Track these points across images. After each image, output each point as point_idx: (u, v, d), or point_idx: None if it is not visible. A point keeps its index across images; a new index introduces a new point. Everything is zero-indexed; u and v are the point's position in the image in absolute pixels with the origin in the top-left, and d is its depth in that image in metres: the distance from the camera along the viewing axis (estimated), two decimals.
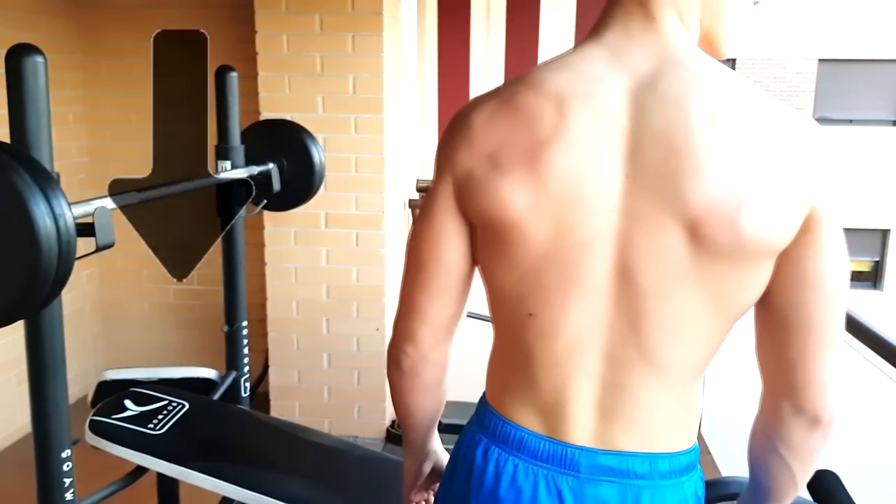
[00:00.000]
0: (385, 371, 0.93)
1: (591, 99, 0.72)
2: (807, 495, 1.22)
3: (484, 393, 0.90)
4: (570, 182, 0.72)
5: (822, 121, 11.03)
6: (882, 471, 1.66)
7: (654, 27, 0.75)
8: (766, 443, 0.84)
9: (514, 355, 0.83)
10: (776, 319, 0.76)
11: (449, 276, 0.83)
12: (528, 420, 0.81)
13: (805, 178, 0.73)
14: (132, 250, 3.26)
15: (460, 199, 0.79)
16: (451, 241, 0.81)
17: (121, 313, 3.34)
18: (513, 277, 0.78)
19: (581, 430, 0.79)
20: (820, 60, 10.98)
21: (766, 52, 11.04)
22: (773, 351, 0.79)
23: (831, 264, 0.74)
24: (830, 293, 0.74)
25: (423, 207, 0.84)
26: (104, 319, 3.35)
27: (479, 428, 0.86)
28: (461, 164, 0.78)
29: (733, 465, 2.57)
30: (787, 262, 0.73)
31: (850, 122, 11.04)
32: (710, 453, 2.73)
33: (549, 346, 0.79)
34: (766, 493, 0.87)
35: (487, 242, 0.79)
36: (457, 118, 0.81)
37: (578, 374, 0.78)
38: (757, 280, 0.74)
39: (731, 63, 11.07)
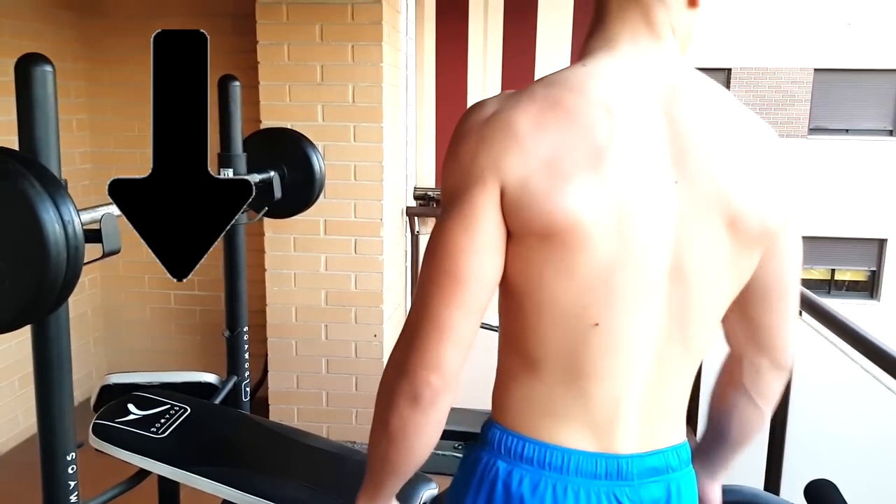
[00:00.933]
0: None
1: (633, 108, 0.76)
2: None
3: (497, 422, 0.83)
4: (631, 188, 0.74)
5: (818, 131, 11.11)
6: (881, 481, 1.68)
7: (660, 44, 0.81)
8: (739, 394, 0.92)
9: (565, 372, 0.78)
10: (758, 292, 0.85)
11: (486, 291, 0.76)
12: (577, 440, 0.79)
13: (793, 171, 0.84)
14: (134, 256, 3.27)
15: (510, 208, 0.74)
16: (492, 254, 0.75)
17: (122, 318, 3.36)
18: (575, 288, 0.75)
19: (630, 438, 0.81)
20: (816, 70, 11.05)
21: (762, 61, 11.10)
22: (752, 319, 0.88)
23: (800, 239, 0.88)
24: (800, 263, 0.87)
25: (453, 215, 0.75)
26: (106, 324, 3.36)
27: (513, 460, 0.79)
28: (513, 171, 0.73)
29: (728, 474, 2.58)
30: (778, 242, 0.84)
31: (846, 132, 11.09)
32: None
33: (612, 356, 0.78)
34: (735, 440, 0.96)
35: (542, 254, 0.75)
36: (493, 120, 0.75)
37: (634, 381, 0.80)
38: (756, 261, 0.84)
39: (727, 74, 11.14)
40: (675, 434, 0.85)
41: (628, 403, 0.80)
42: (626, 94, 0.76)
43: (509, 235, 0.75)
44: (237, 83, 1.96)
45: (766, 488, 2.03)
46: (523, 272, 0.76)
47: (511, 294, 0.78)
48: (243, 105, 2.05)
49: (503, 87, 3.20)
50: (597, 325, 0.77)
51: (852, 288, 11.61)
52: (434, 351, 0.74)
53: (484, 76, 3.20)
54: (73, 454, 1.33)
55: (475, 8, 3.17)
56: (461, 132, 0.77)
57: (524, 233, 0.74)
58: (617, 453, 0.80)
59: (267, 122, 2.61)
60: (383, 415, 0.78)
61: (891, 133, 11.08)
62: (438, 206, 2.79)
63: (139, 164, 3.45)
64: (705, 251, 0.78)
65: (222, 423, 1.81)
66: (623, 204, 0.74)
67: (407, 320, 0.78)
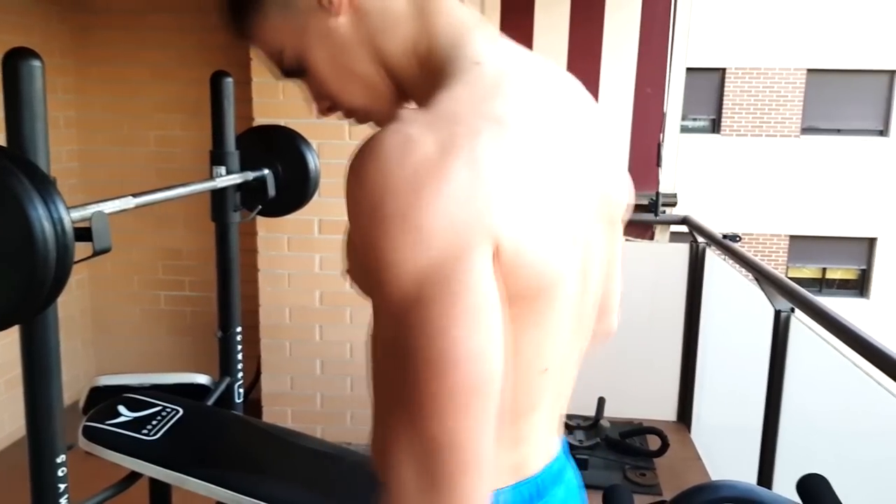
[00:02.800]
0: None
1: (542, 131, 0.64)
2: (796, 498, 1.23)
3: None
4: (572, 222, 0.65)
5: (810, 130, 11.17)
6: (871, 475, 1.68)
7: (523, 50, 0.72)
8: None
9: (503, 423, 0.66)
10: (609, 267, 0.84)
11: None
12: (501, 481, 0.70)
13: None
14: (123, 256, 3.28)
15: (503, 273, 0.57)
16: (501, 340, 0.56)
17: (111, 319, 3.33)
18: (537, 337, 0.65)
19: (542, 454, 0.76)
20: (808, 71, 11.10)
21: (755, 62, 11.15)
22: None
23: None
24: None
25: (448, 306, 0.53)
26: (95, 326, 3.34)
27: None
28: (506, 226, 0.56)
29: (722, 469, 2.59)
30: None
31: (838, 131, 11.16)
32: (700, 458, 2.75)
33: (553, 393, 0.73)
34: None
35: (523, 314, 0.62)
36: (458, 160, 0.55)
37: (556, 402, 0.76)
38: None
39: (722, 73, 11.18)
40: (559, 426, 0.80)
41: (549, 423, 0.75)
42: (531, 117, 0.63)
43: None
44: (230, 79, 1.94)
45: (759, 483, 2.03)
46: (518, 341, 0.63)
47: None
48: (235, 102, 2.03)
49: None
50: (546, 370, 0.69)
51: (843, 286, 11.69)
52: (473, 493, 0.55)
53: None
54: (63, 456, 1.31)
55: (472, 5, 3.17)
56: (401, 183, 0.53)
57: (512, 297, 0.59)
58: (532, 475, 0.73)
59: (260, 120, 2.59)
60: None
61: (881, 133, 11.15)
62: None
63: (128, 162, 3.45)
64: (601, 259, 0.75)
65: (215, 425, 1.79)
66: (574, 239, 0.65)
67: (405, 456, 0.55)
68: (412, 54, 0.69)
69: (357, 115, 0.76)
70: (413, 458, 0.54)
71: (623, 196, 0.78)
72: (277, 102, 2.64)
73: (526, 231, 0.58)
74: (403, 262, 0.53)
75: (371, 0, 0.69)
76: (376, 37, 0.69)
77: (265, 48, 0.74)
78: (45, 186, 1.08)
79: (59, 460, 1.30)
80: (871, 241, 11.29)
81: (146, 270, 3.29)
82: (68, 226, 1.09)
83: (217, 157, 1.90)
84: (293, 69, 0.73)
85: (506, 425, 0.64)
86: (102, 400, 1.78)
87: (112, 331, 3.33)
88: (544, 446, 0.76)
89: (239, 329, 2.07)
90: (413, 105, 0.72)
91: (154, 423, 1.65)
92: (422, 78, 0.69)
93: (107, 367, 3.29)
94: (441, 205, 0.53)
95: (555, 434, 0.78)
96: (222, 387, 2.00)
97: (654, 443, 2.68)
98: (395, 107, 0.73)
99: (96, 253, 1.22)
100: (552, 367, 0.69)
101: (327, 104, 0.75)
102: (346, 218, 0.60)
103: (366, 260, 0.56)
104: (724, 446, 2.72)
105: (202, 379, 2.01)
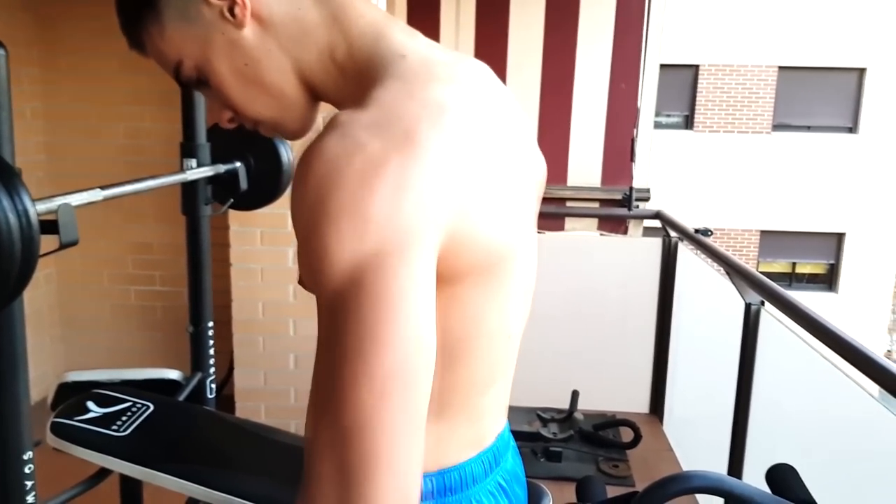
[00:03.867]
0: None
1: (476, 111, 0.65)
2: (765, 487, 1.25)
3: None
4: (514, 197, 0.68)
5: (781, 127, 11.35)
6: (837, 464, 1.72)
7: (433, 42, 0.73)
8: None
9: (477, 388, 0.72)
10: None
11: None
12: (468, 451, 0.74)
13: None
14: (92, 250, 3.23)
15: (450, 253, 0.59)
16: (432, 335, 0.57)
17: (80, 315, 3.28)
18: (500, 304, 0.68)
19: (497, 425, 0.79)
20: (780, 68, 11.27)
21: (727, 59, 11.28)
22: None
23: None
24: None
25: (383, 296, 0.53)
26: (63, 321, 3.28)
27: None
28: (450, 211, 0.58)
29: (694, 460, 2.63)
30: None
31: (808, 128, 11.35)
32: (671, 450, 2.78)
33: (510, 363, 0.76)
34: None
35: (481, 287, 0.65)
36: (411, 157, 0.56)
37: (509, 373, 0.79)
38: None
39: (695, 70, 11.30)
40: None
41: (505, 394, 0.79)
42: (469, 102, 0.65)
43: (439, 282, 0.59)
44: None
45: (729, 473, 2.06)
46: (462, 313, 0.65)
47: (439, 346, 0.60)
48: None
49: None
50: (510, 336, 0.73)
51: (812, 280, 11.92)
52: (407, 493, 0.53)
53: None
54: (30, 453, 1.29)
55: (447, 3, 3.16)
56: (349, 180, 0.54)
57: (464, 273, 0.62)
58: (490, 445, 0.77)
59: None
60: None
61: (850, 130, 11.36)
62: None
63: (97, 154, 3.39)
64: (534, 231, 0.79)
65: (187, 420, 1.77)
66: (516, 211, 0.68)
67: (323, 446, 0.54)
68: (329, 61, 0.69)
69: (264, 125, 0.75)
70: (330, 447, 0.53)
71: (542, 175, 0.82)
72: None
73: (477, 208, 0.60)
74: (342, 251, 0.54)
75: (278, 12, 0.68)
76: (288, 47, 0.69)
77: (161, 59, 0.72)
78: (10, 178, 1.06)
79: (25, 457, 1.28)
80: (840, 237, 11.52)
81: (116, 265, 3.24)
82: (34, 218, 1.07)
83: (188, 149, 1.87)
84: (192, 80, 0.72)
85: (472, 399, 0.71)
86: (71, 396, 1.75)
87: (81, 326, 3.28)
88: (501, 416, 0.79)
89: (211, 324, 2.05)
90: (332, 108, 0.71)
91: (124, 418, 1.63)
92: (344, 82, 0.69)
93: (75, 363, 3.24)
94: (385, 197, 0.54)
95: (506, 403, 0.81)
96: (194, 382, 1.98)
97: (626, 435, 2.71)
98: (306, 114, 0.74)
99: (63, 246, 1.20)
100: (514, 334, 0.74)
101: (230, 115, 0.75)
102: None
103: (308, 254, 0.56)
104: (695, 438, 2.76)
105: (173, 374, 1.99)
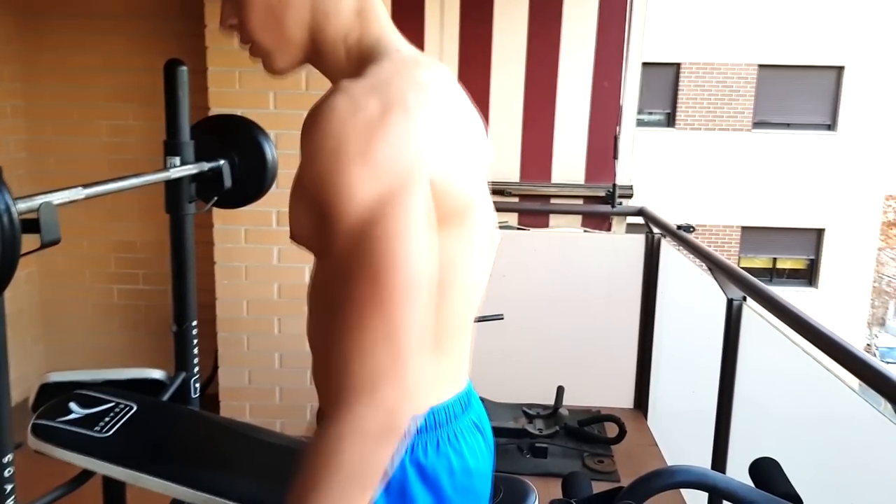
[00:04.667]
0: None
1: (448, 95, 0.81)
2: (749, 481, 1.27)
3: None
4: (476, 163, 0.83)
5: (762, 124, 11.46)
6: (819, 457, 1.74)
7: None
8: None
9: (453, 338, 0.85)
10: None
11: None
12: (449, 390, 0.87)
13: None
14: (74, 249, 3.19)
15: (441, 195, 0.74)
16: (434, 250, 0.74)
17: (62, 315, 3.24)
18: (469, 249, 0.82)
19: (465, 372, 0.91)
20: (759, 66, 11.38)
21: (708, 57, 11.37)
22: None
23: None
24: None
25: (394, 221, 0.69)
26: (45, 321, 3.24)
27: (418, 436, 0.81)
28: (434, 162, 0.73)
29: (678, 454, 2.65)
30: None
31: (788, 126, 11.47)
32: (656, 444, 2.81)
33: (473, 313, 0.88)
34: None
35: (455, 234, 0.78)
36: (396, 114, 0.71)
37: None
38: None
39: (677, 68, 11.38)
40: None
41: (468, 343, 0.90)
42: (442, 86, 0.81)
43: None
44: (184, 67, 1.89)
45: (713, 467, 2.08)
46: (442, 257, 0.76)
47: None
48: (190, 91, 1.99)
49: (459, 76, 3.19)
50: (478, 284, 0.86)
51: (793, 276, 12.05)
52: (412, 370, 0.69)
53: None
54: (10, 456, 1.27)
55: (431, 2, 3.15)
56: (356, 132, 0.69)
57: (442, 218, 0.75)
58: (465, 387, 0.89)
59: (216, 109, 2.54)
60: (372, 450, 0.69)
61: (829, 128, 11.50)
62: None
63: (79, 152, 3.34)
64: (489, 199, 0.91)
65: (170, 421, 1.76)
66: (478, 176, 0.84)
67: (354, 338, 0.69)
68: (342, 42, 0.83)
69: (256, 50, 0.86)
70: (376, 335, 0.68)
71: (490, 160, 0.92)
72: (234, 92, 2.59)
73: (450, 164, 0.75)
74: (361, 190, 0.69)
75: None
76: (318, 11, 0.82)
77: None
78: None
79: (5, 460, 1.26)
80: (820, 232, 11.66)
81: (98, 263, 3.20)
82: (15, 217, 1.05)
83: (171, 147, 1.86)
84: None
85: (453, 340, 0.85)
86: (53, 397, 1.73)
87: (63, 326, 3.24)
88: (468, 363, 0.91)
89: (195, 323, 2.04)
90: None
91: (107, 419, 1.61)
92: (345, 61, 0.83)
93: (57, 363, 3.20)
94: (389, 146, 0.70)
95: (463, 371, 0.91)
96: (178, 382, 1.96)
97: (611, 430, 2.73)
98: (292, 62, 0.86)
99: (44, 245, 1.18)
100: (480, 283, 0.87)
101: (235, 24, 0.85)
102: None
103: (325, 195, 0.70)
104: (679, 432, 2.79)
105: (157, 374, 1.97)
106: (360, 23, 0.83)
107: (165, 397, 1.88)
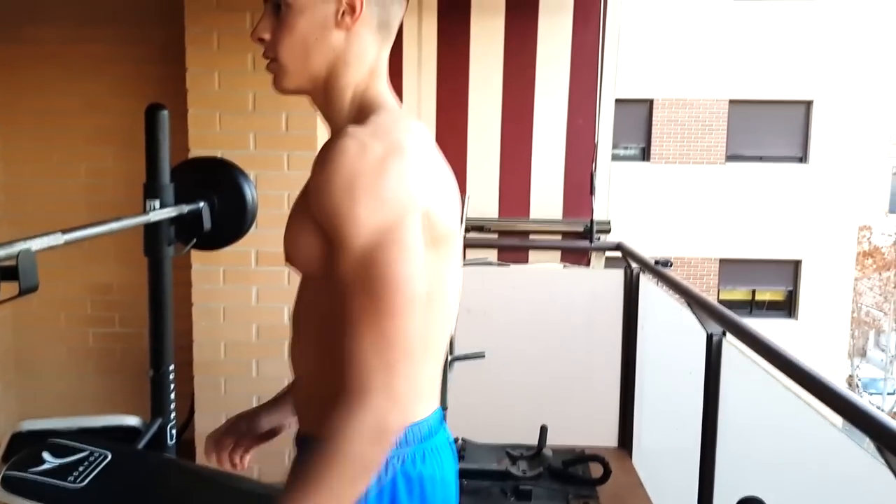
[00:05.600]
0: None
1: (431, 145, 0.96)
2: None
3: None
4: (453, 201, 0.96)
5: (735, 157, 11.69)
6: (803, 494, 1.74)
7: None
8: None
9: (435, 345, 0.95)
10: None
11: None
12: (430, 406, 0.97)
13: None
14: (49, 291, 3.12)
15: (426, 225, 0.87)
16: (425, 274, 0.87)
17: (36, 359, 3.17)
18: (448, 276, 0.94)
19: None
20: (730, 102, 11.65)
21: (680, 93, 11.63)
22: None
23: None
24: None
25: (399, 245, 0.83)
26: (18, 366, 3.16)
27: (405, 448, 0.91)
28: (427, 196, 0.88)
29: (664, 494, 2.63)
30: None
31: (760, 158, 11.71)
32: (641, 484, 2.78)
33: (449, 332, 1.00)
34: None
35: (438, 256, 0.91)
36: (397, 157, 0.85)
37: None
38: None
39: (650, 104, 11.62)
40: None
41: (441, 365, 1.01)
42: (424, 141, 0.94)
43: None
44: (165, 112, 1.90)
45: None
46: (428, 277, 0.87)
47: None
48: (171, 133, 1.99)
49: (438, 116, 3.23)
50: (456, 305, 0.98)
51: (772, 307, 12.17)
52: (412, 376, 0.83)
53: (418, 106, 3.22)
54: None
55: (409, 37, 3.20)
56: (365, 170, 0.83)
57: (429, 243, 0.88)
58: (438, 406, 0.99)
59: (196, 151, 2.54)
60: (366, 448, 0.81)
61: (801, 160, 11.75)
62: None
63: (57, 195, 3.32)
64: (460, 240, 1.05)
65: (146, 469, 1.72)
66: (456, 212, 0.98)
67: (363, 345, 0.81)
68: (350, 89, 0.96)
69: (276, 65, 0.96)
70: (376, 343, 0.81)
71: (459, 203, 1.03)
72: (214, 133, 2.59)
73: (437, 198, 0.90)
74: (368, 220, 0.82)
75: (358, 44, 0.95)
76: (341, 59, 0.94)
77: None
78: None
79: None
80: (797, 264, 11.83)
81: (74, 306, 3.15)
82: None
83: (151, 190, 1.85)
84: (276, 4, 0.93)
85: (434, 356, 0.95)
86: (25, 446, 1.68)
87: (36, 371, 3.16)
88: (431, 393, 0.99)
89: (172, 367, 2.01)
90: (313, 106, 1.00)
91: (81, 469, 1.57)
92: (348, 107, 0.96)
93: (31, 410, 3.11)
94: (391, 183, 0.84)
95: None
96: (154, 428, 1.92)
97: (596, 470, 2.71)
98: (299, 86, 0.97)
99: (22, 293, 1.17)
100: (454, 305, 0.98)
101: (266, 38, 0.94)
102: (283, 249, 0.94)
103: (336, 223, 0.83)
104: (665, 471, 2.77)
105: (132, 421, 1.93)
106: (369, 79, 0.96)
107: (141, 445, 1.84)
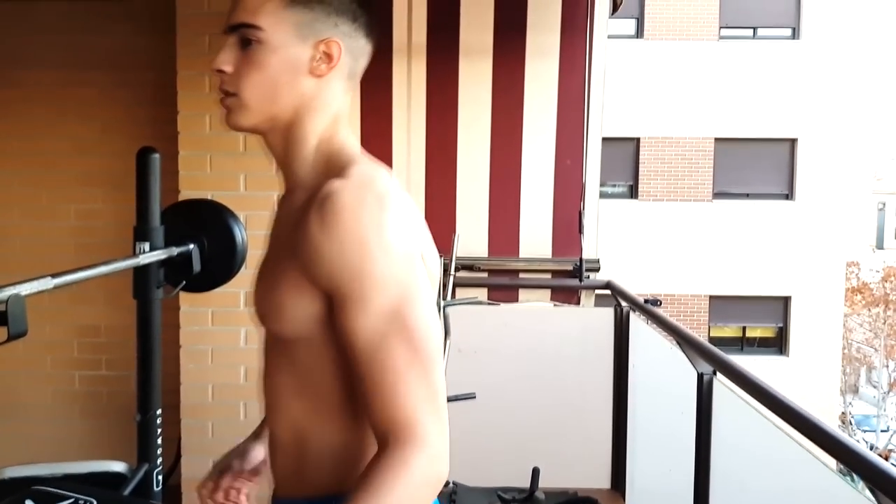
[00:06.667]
0: None
1: (404, 193, 0.96)
2: None
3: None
4: (430, 244, 1.00)
5: (722, 195, 11.82)
6: None
7: None
8: None
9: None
10: None
11: None
12: None
13: None
14: (36, 334, 3.07)
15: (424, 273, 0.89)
16: None
17: (20, 403, 3.12)
18: (434, 314, 0.94)
19: None
20: (716, 140, 11.83)
21: (666, 132, 11.81)
22: None
23: None
24: None
25: (418, 299, 0.84)
26: (1, 410, 3.11)
27: None
28: (420, 245, 0.91)
29: None
30: None
31: (747, 196, 11.85)
32: None
33: None
34: None
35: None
36: (397, 215, 0.86)
37: None
38: None
39: (637, 142, 11.78)
40: None
41: None
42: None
43: None
44: (156, 155, 1.91)
45: None
46: None
47: None
48: (161, 175, 2.00)
49: (427, 157, 3.26)
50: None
51: (763, 344, 12.17)
52: (443, 421, 0.82)
53: (408, 147, 3.26)
54: None
55: (399, 78, 3.25)
56: (370, 225, 0.82)
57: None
58: None
59: (186, 193, 2.55)
60: (425, 497, 0.80)
61: (787, 196, 11.90)
62: None
63: (47, 237, 3.31)
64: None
65: None
66: (435, 255, 1.02)
67: (402, 398, 0.81)
68: (315, 136, 0.93)
69: (234, 101, 0.91)
70: (423, 391, 0.81)
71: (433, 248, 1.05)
72: (204, 175, 2.61)
73: (422, 241, 0.93)
74: (389, 275, 0.82)
75: (328, 92, 0.93)
76: (307, 105, 0.92)
77: (251, 6, 0.88)
78: None
79: None
80: (786, 300, 11.87)
81: (60, 349, 3.12)
82: None
83: (141, 232, 1.85)
84: (244, 37, 0.89)
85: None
86: (8, 494, 1.65)
87: (21, 415, 3.11)
88: None
89: (159, 411, 1.98)
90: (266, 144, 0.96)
91: None
92: (313, 154, 0.93)
93: (14, 455, 3.04)
94: (397, 236, 0.84)
95: None
96: (140, 474, 1.89)
97: None
98: (255, 126, 0.93)
99: (11, 338, 1.16)
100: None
101: (229, 72, 0.90)
102: None
103: (352, 284, 0.81)
104: None
105: (118, 466, 1.90)
106: (334, 126, 0.94)
107: (127, 491, 1.81)
